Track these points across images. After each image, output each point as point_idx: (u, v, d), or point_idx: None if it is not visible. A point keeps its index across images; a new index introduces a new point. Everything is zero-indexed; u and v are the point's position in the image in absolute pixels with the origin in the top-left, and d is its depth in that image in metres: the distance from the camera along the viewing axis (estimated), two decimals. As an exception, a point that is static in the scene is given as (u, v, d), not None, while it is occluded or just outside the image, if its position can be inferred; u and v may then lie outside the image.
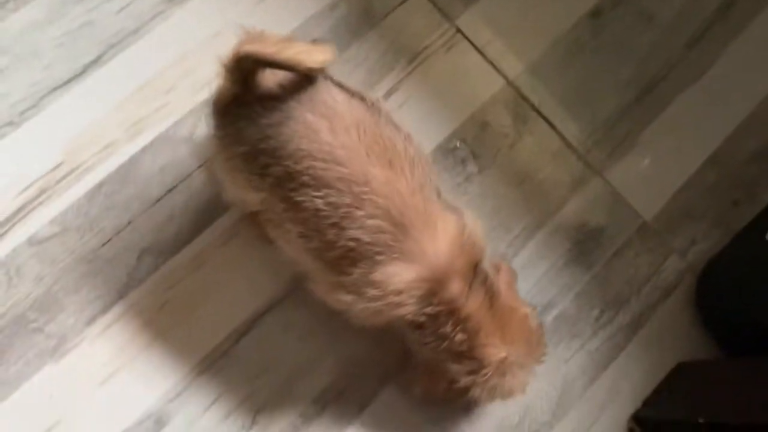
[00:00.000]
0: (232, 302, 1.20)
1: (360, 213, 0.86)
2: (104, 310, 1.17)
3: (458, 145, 1.33)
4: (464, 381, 0.99)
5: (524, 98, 1.37)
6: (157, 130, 1.26)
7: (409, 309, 0.91)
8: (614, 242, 1.33)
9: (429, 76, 1.36)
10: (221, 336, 1.18)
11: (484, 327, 0.95)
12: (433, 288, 0.90)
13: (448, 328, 0.93)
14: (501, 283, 1.01)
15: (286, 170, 0.86)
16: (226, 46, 1.28)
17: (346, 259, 0.89)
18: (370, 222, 0.86)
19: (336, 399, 1.18)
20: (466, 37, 1.39)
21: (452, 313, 0.93)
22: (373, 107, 0.91)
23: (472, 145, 1.33)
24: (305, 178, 0.86)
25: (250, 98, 0.88)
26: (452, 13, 1.40)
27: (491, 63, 1.38)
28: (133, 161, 1.24)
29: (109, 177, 1.23)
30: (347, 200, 0.86)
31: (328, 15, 1.35)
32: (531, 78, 1.39)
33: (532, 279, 1.29)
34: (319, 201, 0.86)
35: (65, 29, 1.28)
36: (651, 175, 1.37)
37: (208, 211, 1.23)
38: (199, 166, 1.24)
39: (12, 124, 1.24)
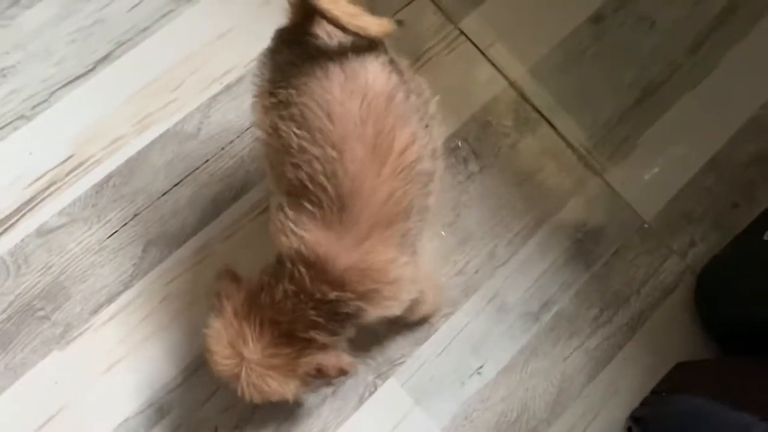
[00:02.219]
0: (234, 294, 1.21)
1: (318, 167, 0.86)
2: (110, 299, 1.20)
3: (460, 144, 1.35)
4: None
5: (526, 99, 1.39)
6: (165, 125, 1.29)
7: (286, 246, 0.89)
8: (614, 242, 1.34)
9: (432, 76, 1.36)
10: (223, 328, 1.20)
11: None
12: (308, 267, 0.88)
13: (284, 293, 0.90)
14: None
15: (288, 97, 0.89)
16: (232, 45, 1.34)
17: (288, 190, 0.90)
18: (321, 178, 0.86)
19: (332, 392, 1.19)
20: (470, 39, 1.41)
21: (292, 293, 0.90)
22: (404, 94, 0.90)
23: (473, 145, 1.35)
24: (295, 112, 0.88)
25: (301, 31, 0.91)
26: (456, 16, 1.42)
27: (494, 65, 1.40)
28: (140, 155, 1.27)
29: (117, 170, 1.26)
30: (316, 152, 0.86)
31: (333, 16, 1.37)
32: (533, 80, 1.41)
33: (532, 277, 1.30)
34: (294, 139, 0.87)
35: (77, 26, 1.32)
36: (651, 176, 1.38)
37: (214, 205, 1.25)
38: (206, 161, 1.27)
39: (24, 117, 1.27)
